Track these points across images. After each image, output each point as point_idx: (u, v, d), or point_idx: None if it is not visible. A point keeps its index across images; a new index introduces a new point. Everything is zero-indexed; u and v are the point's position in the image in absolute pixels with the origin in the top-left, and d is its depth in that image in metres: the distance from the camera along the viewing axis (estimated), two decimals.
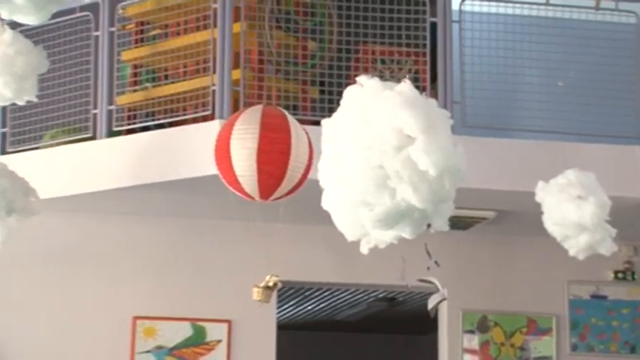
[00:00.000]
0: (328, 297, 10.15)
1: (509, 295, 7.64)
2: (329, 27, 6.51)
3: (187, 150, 6.26)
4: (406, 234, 3.83)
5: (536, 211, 5.25)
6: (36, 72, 5.82)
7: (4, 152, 6.98)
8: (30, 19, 4.26)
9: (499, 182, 6.49)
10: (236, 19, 6.29)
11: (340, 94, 3.98)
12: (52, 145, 6.83)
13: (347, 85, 4.02)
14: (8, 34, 5.66)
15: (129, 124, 6.63)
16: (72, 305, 7.19)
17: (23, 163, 6.59)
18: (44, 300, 7.16)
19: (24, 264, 7.13)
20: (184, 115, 6.40)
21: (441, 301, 5.97)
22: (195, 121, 6.34)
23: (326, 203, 3.92)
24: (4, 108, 6.85)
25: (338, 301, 10.43)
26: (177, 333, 7.22)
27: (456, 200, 3.86)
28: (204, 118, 6.28)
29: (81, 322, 7.18)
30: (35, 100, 6.10)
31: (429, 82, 6.51)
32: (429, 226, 3.85)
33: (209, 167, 5.56)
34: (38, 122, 6.92)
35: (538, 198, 5.23)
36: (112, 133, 6.63)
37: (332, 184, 3.86)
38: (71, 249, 7.26)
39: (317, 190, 3.96)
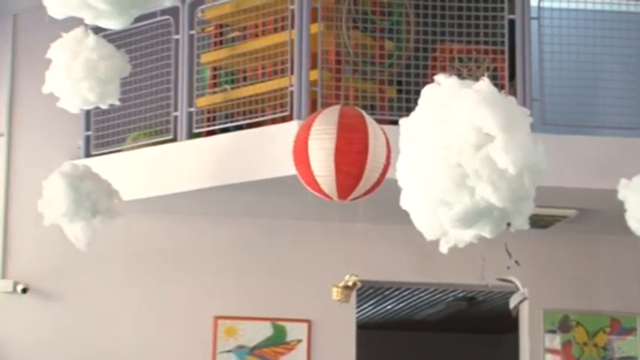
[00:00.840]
0: (407, 296, 10.12)
1: (592, 295, 7.53)
2: (406, 26, 6.49)
3: (266, 151, 6.30)
4: (486, 233, 3.81)
5: (619, 208, 5.17)
6: (118, 76, 5.93)
7: (88, 155, 7.12)
8: (113, 24, 4.34)
9: (580, 180, 6.40)
10: (313, 20, 6.32)
11: (418, 93, 3.98)
12: (134, 148, 6.94)
13: (424, 84, 4.02)
14: (92, 39, 5.78)
15: (209, 126, 6.69)
16: (154, 305, 7.29)
17: (106, 166, 6.72)
18: (127, 300, 7.27)
19: (108, 265, 7.26)
20: (263, 116, 6.44)
21: (522, 301, 5.91)
22: (273, 122, 6.38)
23: (405, 203, 3.92)
24: (88, 112, 6.98)
25: (417, 301, 10.40)
26: (257, 333, 7.28)
27: (536, 198, 3.83)
28: (283, 119, 6.32)
29: (163, 322, 7.28)
30: (118, 103, 6.21)
31: (507, 79, 6.45)
32: (508, 224, 3.82)
33: (287, 168, 5.59)
34: (121, 125, 7.04)
35: (621, 195, 5.15)
36: (192, 135, 6.71)
37: (411, 183, 3.86)
38: (153, 250, 7.37)
39: (395, 190, 3.96)
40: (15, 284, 7.08)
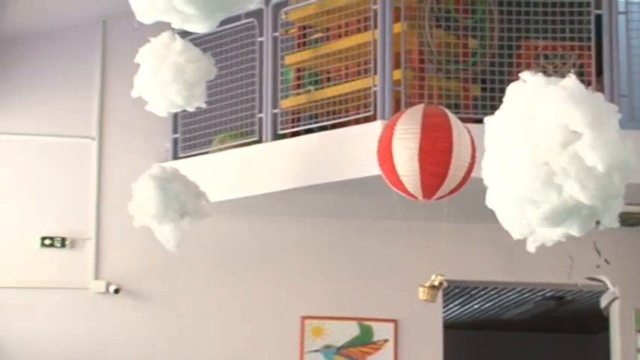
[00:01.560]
0: (494, 296, 10.04)
1: None
2: (489, 24, 6.44)
3: (350, 151, 6.32)
4: (574, 231, 3.76)
5: None
6: (205, 79, 6.01)
7: (176, 157, 7.23)
8: (199, 28, 4.39)
9: None
10: (396, 19, 6.31)
11: (502, 91, 3.94)
12: (220, 150, 7.02)
13: (509, 81, 3.98)
14: (179, 42, 5.87)
15: (293, 127, 6.74)
16: (242, 305, 7.37)
17: (194, 168, 6.81)
18: (215, 300, 7.36)
19: (196, 266, 7.36)
20: (347, 116, 6.46)
21: (613, 301, 5.83)
22: (357, 122, 6.39)
23: (491, 201, 3.89)
24: (176, 115, 7.08)
25: (504, 300, 10.30)
26: (344, 332, 7.30)
27: (626, 196, 3.76)
28: (366, 119, 6.32)
29: (251, 322, 7.35)
30: (204, 106, 6.29)
31: (594, 76, 6.35)
32: (597, 223, 3.77)
33: (372, 168, 5.60)
34: (207, 127, 7.12)
35: None
36: (276, 136, 6.76)
37: (496, 182, 3.83)
38: (240, 250, 7.45)
39: (481, 189, 3.94)
40: (107, 285, 7.22)
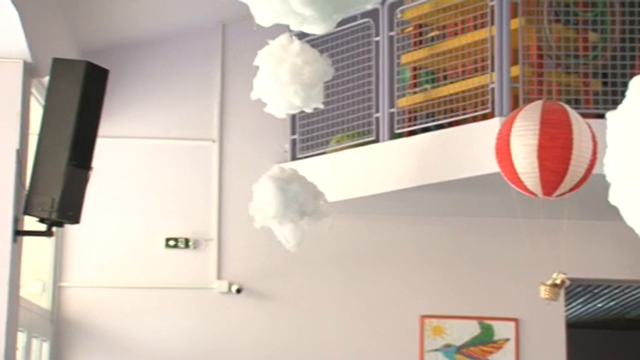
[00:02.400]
0: (619, 295, 9.83)
1: None
2: (611, 17, 6.31)
3: (468, 149, 6.28)
4: None
5: None
6: (322, 80, 6.05)
7: (294, 158, 7.30)
8: (316, 29, 4.42)
9: None
10: (513, 15, 6.24)
11: (625, 85, 3.86)
12: (337, 150, 7.06)
13: (631, 75, 3.90)
14: (296, 44, 5.92)
15: (410, 126, 6.73)
16: (361, 304, 7.40)
17: (312, 168, 6.87)
18: (335, 299, 7.41)
19: (315, 265, 7.42)
20: (464, 114, 6.42)
21: None
22: (474, 119, 6.35)
23: (614, 198, 3.81)
24: (294, 116, 7.16)
25: (629, 299, 10.08)
26: (464, 331, 7.25)
27: None
28: (484, 117, 6.27)
29: (370, 321, 7.37)
30: (321, 106, 6.34)
31: None
32: None
33: (490, 165, 5.55)
34: (324, 128, 7.18)
35: None
36: (393, 136, 6.76)
37: (620, 178, 3.76)
38: (358, 250, 7.48)
39: (603, 185, 3.87)
40: (230, 285, 7.34)
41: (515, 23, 6.23)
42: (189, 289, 7.33)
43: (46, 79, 5.50)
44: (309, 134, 7.27)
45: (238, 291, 7.32)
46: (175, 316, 7.30)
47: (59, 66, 5.40)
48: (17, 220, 5.40)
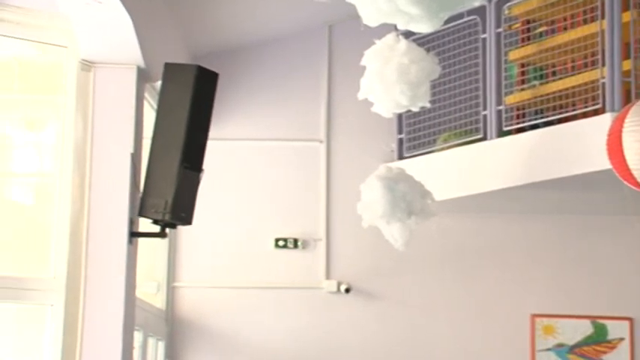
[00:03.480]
0: None
1: None
2: None
3: (578, 146, 6.18)
4: None
5: None
6: (428, 78, 6.04)
7: (401, 157, 7.30)
8: (423, 28, 4.42)
9: None
10: (625, 8, 6.12)
11: None
12: (444, 149, 7.03)
13: None
14: (403, 43, 5.93)
15: (518, 123, 6.65)
16: (471, 303, 7.36)
17: (419, 167, 6.86)
18: (444, 299, 7.38)
19: (423, 264, 7.40)
20: (573, 110, 6.32)
21: None
22: (584, 115, 6.24)
23: None
24: (400, 115, 7.15)
25: None
26: (577, 331, 7.15)
27: None
28: (595, 113, 6.16)
29: (480, 320, 7.32)
30: (428, 105, 6.33)
31: None
32: None
33: (601, 162, 5.46)
34: (431, 127, 7.15)
35: None
36: (502, 133, 6.69)
37: None
38: (466, 249, 7.44)
39: None
40: (338, 284, 7.38)
41: (627, 16, 6.10)
42: (299, 289, 7.40)
43: (159, 84, 5.63)
44: (416, 133, 7.26)
45: (347, 290, 7.35)
46: (285, 316, 7.37)
47: (171, 70, 5.51)
48: (132, 222, 5.53)
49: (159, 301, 7.26)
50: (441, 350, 7.33)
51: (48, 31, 5.39)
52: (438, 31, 6.71)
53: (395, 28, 5.45)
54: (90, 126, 5.49)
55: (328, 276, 7.41)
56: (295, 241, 7.43)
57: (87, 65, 5.50)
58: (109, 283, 5.39)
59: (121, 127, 5.54)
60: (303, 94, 7.60)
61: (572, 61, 6.39)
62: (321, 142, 7.56)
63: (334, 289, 7.37)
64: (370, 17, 4.52)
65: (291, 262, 7.41)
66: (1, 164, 5.77)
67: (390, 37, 6.02)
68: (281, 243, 7.42)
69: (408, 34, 5.92)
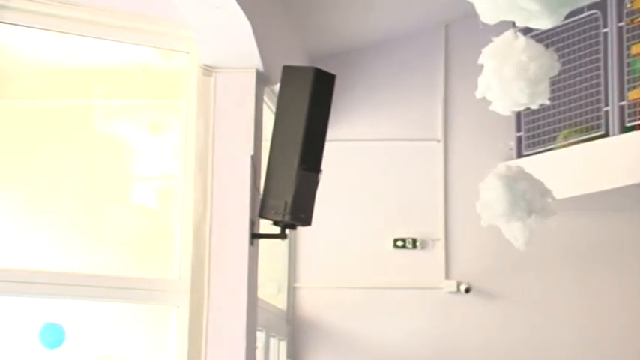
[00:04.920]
0: None
1: None
2: None
3: None
4: None
5: None
6: (548, 75, 5.93)
7: (520, 156, 7.22)
8: (543, 24, 4.36)
9: None
10: None
11: None
12: (564, 146, 6.92)
13: None
14: (521, 40, 5.85)
15: None
16: (593, 304, 7.23)
17: (538, 165, 6.76)
18: (566, 298, 7.28)
19: (544, 264, 7.31)
20: None
21: None
22: None
23: None
24: (519, 113, 7.07)
25: None
26: None
27: None
28: None
29: (603, 320, 7.19)
30: (548, 102, 6.23)
31: None
32: None
33: None
34: (551, 124, 7.05)
35: None
36: (624, 129, 6.56)
37: None
38: (587, 248, 7.31)
39: None
40: (458, 284, 7.34)
41: None
42: (418, 289, 7.38)
43: (277, 87, 5.69)
44: (535, 131, 7.17)
45: (467, 290, 7.30)
46: (404, 317, 7.37)
47: (289, 73, 5.56)
48: (253, 224, 5.61)
49: (280, 302, 7.34)
50: (562, 350, 7.22)
51: (170, 38, 5.53)
52: (558, 27, 6.60)
53: (513, 25, 5.38)
54: (211, 129, 5.60)
55: (448, 276, 7.38)
56: (414, 241, 7.42)
57: (208, 70, 5.61)
58: (232, 284, 5.47)
59: (241, 130, 5.62)
60: (419, 94, 7.59)
61: None
62: (438, 141, 7.54)
63: (454, 289, 7.34)
64: (488, 15, 4.49)
65: (409, 262, 7.41)
66: (126, 168, 5.93)
67: (508, 35, 5.94)
68: (400, 243, 7.42)
69: (526, 31, 5.84)
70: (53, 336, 5.59)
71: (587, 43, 6.80)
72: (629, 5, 6.56)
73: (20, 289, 5.14)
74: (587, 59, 6.80)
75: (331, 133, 5.81)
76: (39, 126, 5.65)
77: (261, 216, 5.57)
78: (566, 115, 6.95)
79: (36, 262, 5.37)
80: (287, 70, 5.57)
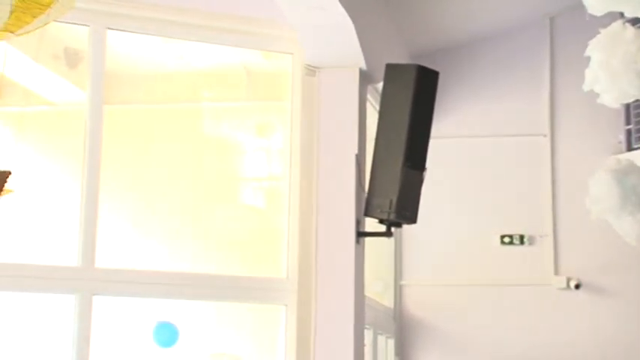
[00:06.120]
0: None
1: None
2: None
3: None
4: None
5: None
6: None
7: (630, 149, 7.07)
8: None
9: None
10: None
11: None
12: None
13: None
14: (630, 31, 5.73)
15: None
16: None
17: None
18: None
19: None
20: None
21: None
22: None
23: None
24: (628, 105, 6.93)
25: None
26: None
27: None
28: None
29: None
30: None
31: None
32: None
33: None
34: None
35: None
36: None
37: None
38: None
39: None
40: (568, 280, 7.23)
41: None
42: (526, 286, 7.29)
43: (380, 85, 5.69)
44: None
45: (577, 286, 7.19)
46: (513, 314, 7.28)
47: (392, 71, 5.55)
48: (359, 222, 5.62)
49: (387, 300, 7.34)
50: None
51: (274, 40, 5.59)
52: None
53: (621, 15, 5.29)
54: (316, 129, 5.63)
55: (557, 272, 7.27)
56: (521, 237, 7.33)
57: (311, 70, 5.64)
58: (339, 282, 5.50)
59: (346, 129, 5.64)
60: (524, 88, 7.50)
61: None
62: (544, 136, 7.43)
63: (564, 285, 7.22)
64: (595, 6, 4.43)
65: (517, 259, 7.32)
66: (233, 169, 6.01)
67: (616, 26, 5.83)
68: (506, 239, 7.34)
69: (634, 22, 5.72)
70: (167, 335, 5.71)
71: None
72: None
73: (135, 290, 5.25)
74: None
75: (436, 129, 5.78)
76: (149, 129, 5.77)
77: (367, 214, 5.58)
78: None
79: (148, 263, 5.49)
80: (390, 68, 5.56)
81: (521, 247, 7.33)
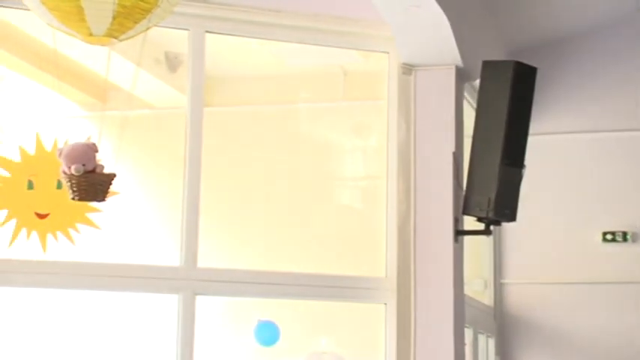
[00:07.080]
0: None
1: None
2: None
3: None
4: None
5: None
6: None
7: None
8: None
9: None
10: None
11: None
12: None
13: None
14: None
15: None
16: None
17: None
18: None
19: None
20: None
21: None
22: None
23: None
24: None
25: None
26: None
27: None
28: None
29: None
30: None
31: None
32: None
33: None
34: None
35: None
36: None
37: None
38: None
39: None
40: None
41: None
42: (630, 284, 7.16)
43: (477, 82, 5.66)
44: None
45: None
46: (615, 313, 7.16)
47: (488, 68, 5.52)
48: (457, 221, 5.60)
49: (487, 298, 7.29)
50: None
51: (371, 39, 5.61)
52: None
53: None
54: (412, 128, 5.63)
55: None
56: (624, 234, 7.20)
57: (407, 69, 5.65)
58: (438, 281, 5.49)
59: (443, 127, 5.63)
60: (624, 83, 7.36)
61: None
62: None
63: None
64: None
65: (620, 256, 7.19)
66: (331, 170, 6.05)
67: None
68: (609, 237, 7.22)
69: None
70: (268, 334, 5.77)
71: None
72: None
73: (237, 289, 5.32)
74: None
75: (534, 126, 5.73)
76: (248, 131, 5.85)
77: (465, 213, 5.56)
78: None
79: (248, 262, 5.57)
80: (487, 65, 5.53)
81: (624, 245, 7.19)
